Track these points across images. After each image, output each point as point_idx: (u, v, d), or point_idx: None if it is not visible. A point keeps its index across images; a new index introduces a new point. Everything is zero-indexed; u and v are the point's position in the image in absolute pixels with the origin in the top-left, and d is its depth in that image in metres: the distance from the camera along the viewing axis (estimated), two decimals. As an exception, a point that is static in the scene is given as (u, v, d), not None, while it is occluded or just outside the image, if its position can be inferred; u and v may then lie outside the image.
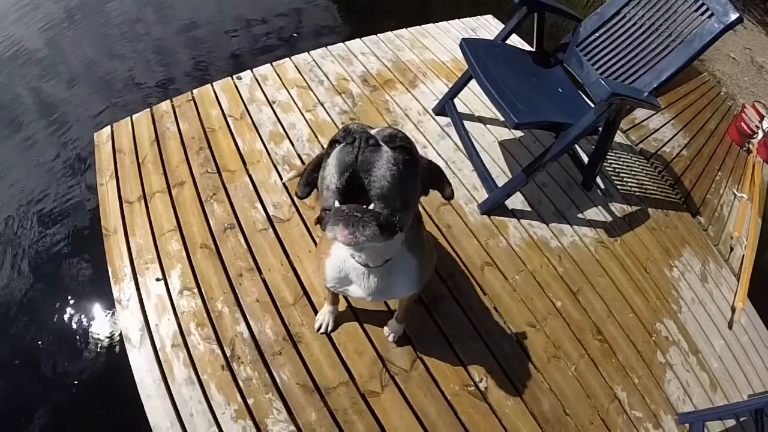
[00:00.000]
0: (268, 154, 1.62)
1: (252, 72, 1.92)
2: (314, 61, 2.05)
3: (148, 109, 1.70)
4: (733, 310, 1.77)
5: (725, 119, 3.21)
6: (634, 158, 2.26)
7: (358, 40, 2.24)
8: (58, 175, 1.87)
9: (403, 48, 2.27)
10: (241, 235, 1.38)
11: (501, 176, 1.76)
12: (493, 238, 1.56)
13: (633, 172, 2.14)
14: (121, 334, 1.20)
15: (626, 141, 2.37)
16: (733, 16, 1.37)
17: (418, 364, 1.22)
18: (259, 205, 1.46)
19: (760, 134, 2.90)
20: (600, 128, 1.61)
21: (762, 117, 2.91)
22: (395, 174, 0.49)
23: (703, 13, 1.43)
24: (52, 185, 1.83)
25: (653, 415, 1.35)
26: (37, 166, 1.91)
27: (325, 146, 0.56)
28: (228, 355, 1.15)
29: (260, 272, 1.31)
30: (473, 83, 1.67)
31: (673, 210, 2.06)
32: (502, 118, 1.80)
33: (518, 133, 1.98)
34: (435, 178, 0.67)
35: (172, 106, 1.72)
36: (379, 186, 0.49)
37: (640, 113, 2.60)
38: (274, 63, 1.99)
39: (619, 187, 1.99)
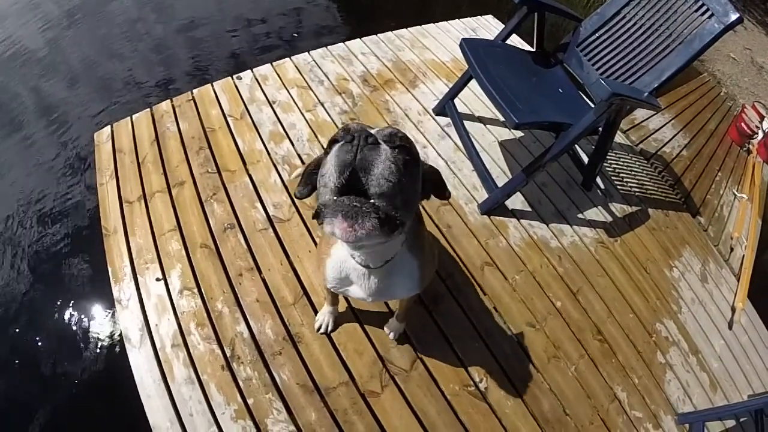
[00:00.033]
0: (268, 154, 1.62)
1: (252, 72, 1.92)
2: (314, 61, 2.05)
3: (148, 109, 1.70)
4: (733, 310, 1.77)
5: (725, 120, 3.21)
6: (634, 158, 2.26)
7: (358, 40, 2.24)
8: (58, 174, 1.87)
9: (404, 48, 2.27)
10: (241, 235, 1.38)
11: (501, 176, 1.76)
12: (493, 238, 1.56)
13: (633, 173, 2.14)
14: (121, 334, 1.20)
15: (626, 141, 2.37)
16: (733, 16, 1.37)
17: (418, 364, 1.22)
18: (259, 205, 1.46)
19: (760, 135, 2.90)
20: (600, 128, 1.60)
21: (762, 117, 2.91)
22: (395, 172, 0.49)
23: (703, 14, 1.43)
24: (52, 185, 1.83)
25: (653, 416, 1.35)
26: (37, 166, 1.91)
27: (325, 146, 0.56)
28: (228, 355, 1.15)
29: (260, 272, 1.31)
30: (473, 83, 1.67)
31: (673, 210, 2.06)
32: (502, 118, 1.80)
33: (518, 134, 1.98)
34: (435, 184, 0.66)
35: (172, 105, 1.72)
36: (378, 183, 0.48)
37: (640, 113, 2.60)
38: (274, 63, 1.99)
39: (619, 187, 1.99)
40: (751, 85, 4.22)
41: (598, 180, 1.93)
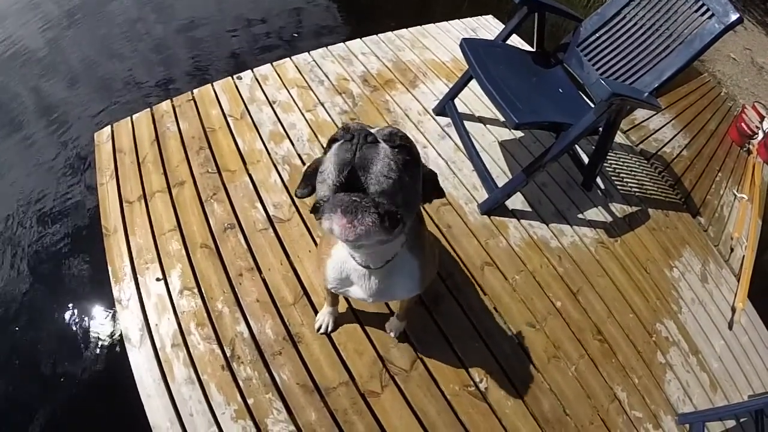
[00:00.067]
0: (269, 153, 1.62)
1: (252, 72, 1.92)
2: (314, 61, 2.05)
3: (149, 109, 1.70)
4: (734, 310, 1.77)
5: (725, 120, 3.21)
6: (634, 159, 2.26)
7: (358, 40, 2.24)
8: (58, 174, 1.87)
9: (404, 48, 2.27)
10: (241, 235, 1.38)
11: (501, 176, 1.76)
12: (493, 238, 1.56)
13: (633, 173, 2.14)
14: (121, 334, 1.20)
15: (626, 141, 2.37)
16: (734, 16, 1.37)
17: (418, 364, 1.22)
18: (259, 205, 1.46)
19: (761, 135, 2.90)
20: (600, 128, 1.61)
21: (762, 118, 2.91)
22: (394, 170, 0.48)
23: (703, 14, 1.43)
24: (52, 185, 1.83)
25: (653, 416, 1.35)
26: (37, 166, 1.91)
27: (325, 146, 0.55)
28: (228, 354, 1.15)
29: (260, 272, 1.31)
30: (473, 83, 1.67)
31: (674, 210, 2.06)
32: (502, 119, 1.80)
33: (518, 134, 1.98)
34: (434, 185, 0.65)
35: (173, 105, 1.72)
36: (378, 181, 0.47)
37: (640, 114, 2.60)
38: (274, 63, 1.99)
39: (619, 187, 1.99)
40: (751, 85, 4.22)
41: (599, 180, 1.93)
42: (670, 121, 2.75)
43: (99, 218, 1.40)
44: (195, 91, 1.80)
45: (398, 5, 3.65)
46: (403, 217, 0.51)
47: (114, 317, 1.43)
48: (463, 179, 1.71)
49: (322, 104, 1.85)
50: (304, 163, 1.62)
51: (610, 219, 1.82)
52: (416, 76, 2.11)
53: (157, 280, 1.27)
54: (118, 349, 1.38)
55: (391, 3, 3.68)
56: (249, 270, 1.31)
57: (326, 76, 1.98)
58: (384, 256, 0.69)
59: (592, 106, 1.34)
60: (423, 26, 2.48)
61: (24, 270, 1.57)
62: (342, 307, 1.24)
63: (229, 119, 1.71)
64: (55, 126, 2.06)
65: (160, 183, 1.48)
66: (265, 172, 1.56)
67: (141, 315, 1.20)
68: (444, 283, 1.39)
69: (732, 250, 2.08)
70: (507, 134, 1.96)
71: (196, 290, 1.25)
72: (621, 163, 2.16)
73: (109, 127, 1.63)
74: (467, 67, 1.58)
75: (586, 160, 1.88)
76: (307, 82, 1.94)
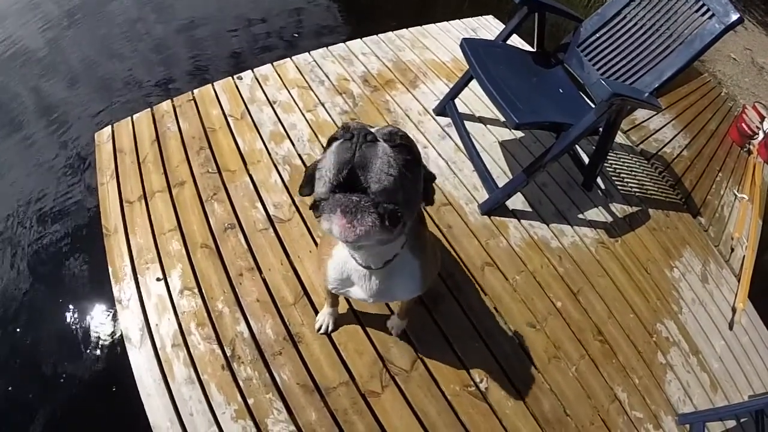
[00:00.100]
0: (269, 154, 1.62)
1: (253, 72, 1.92)
2: (315, 61, 2.05)
3: (149, 109, 1.70)
4: (734, 310, 1.77)
5: (726, 120, 3.21)
6: (634, 159, 2.25)
7: (358, 40, 2.24)
8: (59, 174, 1.87)
9: (404, 48, 2.27)
10: (242, 235, 1.38)
11: (501, 176, 1.76)
12: (493, 239, 1.56)
13: (633, 173, 2.14)
14: (121, 334, 1.20)
15: (627, 141, 2.37)
16: (734, 16, 1.37)
17: (419, 365, 1.22)
18: (259, 205, 1.46)
19: (761, 135, 2.89)
20: (601, 129, 1.60)
21: (763, 118, 2.91)
22: (394, 168, 0.48)
23: (703, 14, 1.43)
24: (53, 185, 1.83)
25: (654, 416, 1.35)
26: (37, 166, 1.91)
27: (325, 145, 0.55)
28: (228, 354, 1.15)
29: (260, 272, 1.31)
30: (474, 83, 1.67)
31: (674, 211, 2.05)
32: (502, 119, 1.80)
33: (519, 134, 1.98)
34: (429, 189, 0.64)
35: (173, 105, 1.72)
36: (378, 179, 0.46)
37: (640, 114, 2.59)
38: (274, 63, 1.99)
39: (619, 187, 1.99)
40: (751, 85, 4.22)
41: (599, 180, 1.93)
42: (671, 121, 2.75)
43: (99, 218, 1.40)
44: (195, 91, 1.80)
45: (398, 5, 3.66)
46: (404, 217, 0.50)
47: (114, 317, 1.43)
48: (463, 179, 1.71)
49: (323, 104, 1.85)
50: (304, 164, 1.62)
51: (610, 219, 1.82)
52: (417, 76, 2.11)
53: (158, 280, 1.27)
54: (118, 349, 1.38)
55: (391, 3, 3.68)
56: (249, 270, 1.31)
57: (327, 76, 1.98)
58: (384, 256, 0.69)
59: (593, 106, 1.34)
60: (423, 26, 2.48)
61: (24, 270, 1.57)
62: (342, 307, 1.24)
63: (229, 119, 1.71)
64: (55, 126, 2.07)
65: (161, 183, 1.48)
66: (265, 172, 1.56)
67: (141, 315, 1.20)
68: (444, 283, 1.39)
69: (732, 250, 2.07)
70: (507, 134, 1.96)
71: (196, 290, 1.25)
72: (621, 164, 2.16)
73: (109, 127, 1.63)
74: (467, 67, 1.58)
75: (586, 160, 1.88)
76: (307, 82, 1.94)
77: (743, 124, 2.92)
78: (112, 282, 1.26)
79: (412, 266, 0.77)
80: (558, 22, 1.88)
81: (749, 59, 4.70)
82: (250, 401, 1.09)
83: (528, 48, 2.15)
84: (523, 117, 1.31)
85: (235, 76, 1.88)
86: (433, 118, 1.92)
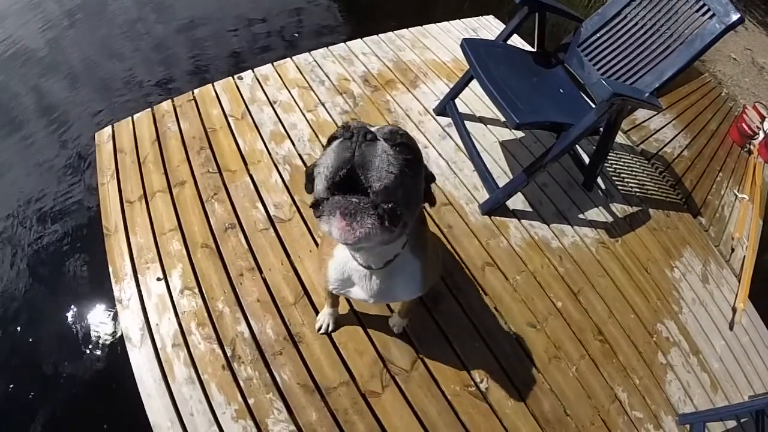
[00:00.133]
0: (269, 154, 1.62)
1: (253, 72, 1.92)
2: (315, 61, 2.05)
3: (149, 109, 1.70)
4: (734, 310, 1.77)
5: (726, 120, 3.21)
6: (635, 159, 2.25)
7: (359, 40, 2.24)
8: (59, 174, 1.87)
9: (404, 48, 2.27)
10: (242, 235, 1.38)
11: (502, 176, 1.76)
12: (494, 239, 1.56)
13: (634, 173, 2.14)
14: (121, 334, 1.20)
15: (627, 141, 2.37)
16: (734, 16, 1.37)
17: (419, 365, 1.22)
18: (259, 205, 1.46)
19: (761, 135, 2.89)
20: (601, 129, 1.60)
21: (763, 118, 2.91)
22: (394, 168, 0.47)
23: (704, 14, 1.43)
24: (53, 184, 1.83)
25: (654, 416, 1.35)
26: (37, 166, 1.91)
27: (325, 145, 0.54)
28: (228, 354, 1.15)
29: (261, 272, 1.31)
30: (474, 83, 1.67)
31: (674, 211, 2.05)
32: (503, 119, 1.81)
33: (519, 134, 1.98)
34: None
35: (173, 105, 1.72)
36: (379, 177, 0.46)
37: (641, 114, 2.60)
38: (275, 63, 1.99)
39: (620, 187, 1.99)
40: (752, 85, 4.22)
41: (599, 180, 1.93)
42: (671, 121, 2.75)
43: (99, 218, 1.40)
44: (196, 90, 1.79)
45: (399, 5, 3.66)
46: (404, 216, 0.50)
47: (114, 317, 1.43)
48: (464, 179, 1.71)
49: (323, 104, 1.85)
50: (305, 163, 1.62)
51: (610, 219, 1.82)
52: (417, 76, 2.11)
53: (158, 279, 1.27)
54: (118, 348, 1.38)
55: (391, 3, 3.68)
56: (250, 270, 1.31)
57: (327, 76, 1.98)
58: (385, 256, 0.68)
59: (593, 106, 1.34)
60: (424, 26, 2.48)
61: (24, 270, 1.57)
62: (343, 308, 1.24)
63: (229, 119, 1.71)
64: (55, 126, 2.07)
65: (161, 183, 1.48)
66: (265, 172, 1.56)
67: (141, 315, 1.20)
68: (445, 282, 1.39)
69: (733, 250, 2.07)
70: (508, 134, 1.96)
71: (196, 290, 1.25)
72: (622, 164, 2.16)
73: (109, 126, 1.63)
74: (468, 67, 1.58)
75: (587, 160, 1.88)
76: (307, 82, 1.94)
77: (743, 124, 2.92)
78: (113, 282, 1.26)
79: (413, 267, 0.76)
80: (558, 22, 1.88)
81: (749, 59, 4.70)
82: (251, 401, 1.09)
83: (528, 48, 2.15)
84: (523, 117, 1.31)
85: (235, 76, 1.88)
86: (434, 118, 1.92)
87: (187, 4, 2.96)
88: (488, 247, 1.53)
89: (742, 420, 1.46)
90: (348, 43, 2.20)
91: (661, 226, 1.92)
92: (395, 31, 2.36)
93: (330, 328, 1.21)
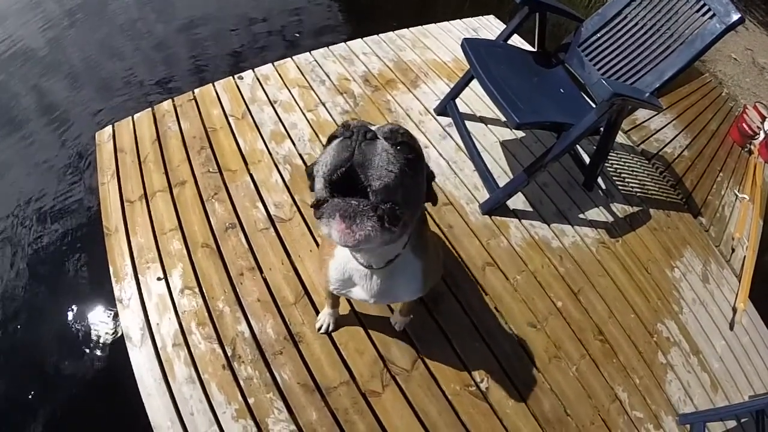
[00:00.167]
0: (270, 153, 1.62)
1: (253, 72, 1.92)
2: (316, 60, 2.05)
3: (150, 109, 1.70)
4: (735, 310, 1.77)
5: (727, 120, 3.21)
6: (635, 159, 2.25)
7: (359, 40, 2.24)
8: (59, 174, 1.88)
9: (405, 48, 2.27)
10: (242, 235, 1.38)
11: (502, 176, 1.76)
12: (494, 238, 1.56)
13: (634, 173, 2.14)
14: (121, 334, 1.20)
15: (628, 141, 2.36)
16: (735, 16, 1.37)
17: (419, 364, 1.22)
18: (260, 205, 1.46)
19: (762, 135, 2.89)
20: (601, 129, 1.60)
21: (763, 118, 2.91)
22: (394, 166, 0.46)
23: (704, 14, 1.43)
24: (53, 184, 1.83)
25: (654, 416, 1.35)
26: (37, 165, 1.91)
27: (325, 144, 0.54)
28: (229, 354, 1.15)
29: (261, 271, 1.31)
30: (475, 83, 1.67)
31: (675, 211, 2.05)
32: (503, 118, 1.80)
33: (520, 134, 1.98)
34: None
35: (174, 105, 1.72)
36: (379, 176, 0.45)
37: (641, 114, 2.59)
38: (275, 63, 1.99)
39: (620, 187, 1.99)
40: (752, 85, 4.21)
41: (600, 180, 1.93)
42: (672, 121, 2.75)
43: (100, 218, 1.40)
44: (196, 90, 1.79)
45: (399, 5, 3.66)
46: (405, 216, 0.49)
47: (115, 317, 1.43)
48: (464, 179, 1.71)
49: (324, 104, 1.85)
50: (305, 163, 1.62)
51: (611, 219, 1.82)
52: (417, 76, 2.11)
53: (158, 279, 1.27)
54: (118, 348, 1.38)
55: (392, 3, 3.68)
56: (250, 269, 1.31)
57: (327, 76, 1.98)
58: (386, 256, 0.68)
59: (594, 106, 1.34)
60: (424, 26, 2.48)
61: (24, 269, 1.57)
62: (344, 308, 1.24)
63: (230, 119, 1.71)
64: (55, 125, 2.07)
65: (161, 182, 1.48)
66: (266, 172, 1.56)
67: (142, 314, 1.20)
68: (445, 282, 1.38)
69: (733, 250, 2.07)
70: (508, 134, 1.96)
71: (197, 290, 1.25)
72: (622, 164, 2.16)
73: (110, 126, 1.63)
74: (468, 67, 1.58)
75: (587, 160, 1.88)
76: (308, 81, 1.93)
77: (744, 124, 2.92)
78: (113, 281, 1.26)
79: (414, 267, 0.76)
80: (559, 21, 1.88)
81: (750, 59, 4.70)
82: (251, 401, 1.09)
83: (529, 48, 2.15)
84: (524, 117, 1.31)
85: (235, 76, 1.88)
86: (434, 118, 1.92)
87: (187, 4, 2.97)
88: (489, 246, 1.53)
89: (743, 420, 1.46)
90: (348, 42, 2.20)
91: (662, 226, 1.92)
92: (396, 31, 2.36)
93: (330, 328, 1.21)
